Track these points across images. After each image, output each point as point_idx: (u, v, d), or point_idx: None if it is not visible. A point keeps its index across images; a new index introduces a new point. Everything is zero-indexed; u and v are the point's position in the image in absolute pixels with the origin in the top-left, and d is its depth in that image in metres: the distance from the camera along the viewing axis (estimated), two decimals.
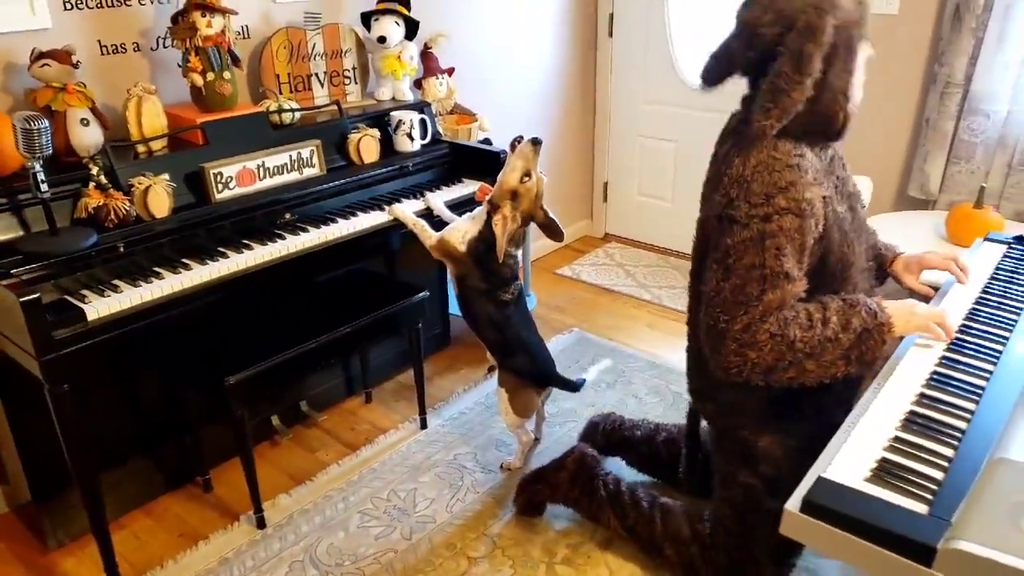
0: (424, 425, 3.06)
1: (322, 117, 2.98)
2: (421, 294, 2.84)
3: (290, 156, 2.69)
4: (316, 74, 3.08)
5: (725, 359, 1.70)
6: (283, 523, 2.57)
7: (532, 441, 2.85)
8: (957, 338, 1.79)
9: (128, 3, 2.60)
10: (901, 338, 1.79)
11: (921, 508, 1.27)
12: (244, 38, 2.93)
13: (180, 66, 2.63)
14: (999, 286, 2.07)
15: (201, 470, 2.75)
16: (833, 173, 1.83)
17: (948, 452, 1.40)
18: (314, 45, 3.03)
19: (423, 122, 3.12)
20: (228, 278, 2.36)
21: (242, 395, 2.36)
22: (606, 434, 2.63)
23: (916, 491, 1.31)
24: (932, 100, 3.34)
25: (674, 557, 2.22)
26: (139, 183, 2.32)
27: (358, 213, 2.76)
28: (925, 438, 1.45)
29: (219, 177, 2.51)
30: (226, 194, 2.53)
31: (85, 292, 2.14)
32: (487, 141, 3.45)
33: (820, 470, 1.37)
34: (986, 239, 2.41)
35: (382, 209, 2.80)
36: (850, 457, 1.41)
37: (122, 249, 2.26)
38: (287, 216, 2.67)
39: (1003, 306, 1.95)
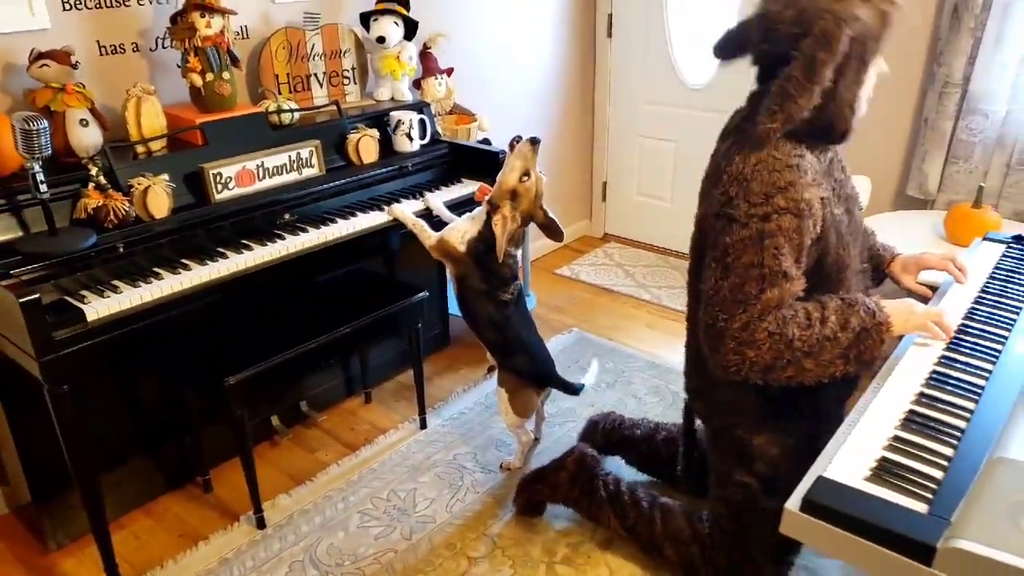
0: (424, 425, 3.06)
1: (321, 117, 2.98)
2: (420, 294, 2.85)
3: (289, 156, 2.69)
4: (315, 74, 3.08)
5: (724, 357, 1.70)
6: (283, 523, 2.57)
7: (532, 441, 2.85)
8: (956, 337, 1.79)
9: (127, 3, 2.60)
10: (900, 338, 1.79)
11: (921, 507, 1.27)
12: (243, 38, 2.93)
13: (179, 66, 2.63)
14: (998, 285, 2.07)
15: (201, 470, 2.75)
16: (832, 175, 1.83)
17: (948, 451, 1.41)
18: (313, 45, 3.03)
19: (422, 122, 3.12)
20: (228, 278, 2.36)
21: (242, 395, 2.36)
22: (606, 433, 2.63)
23: (916, 490, 1.31)
24: (931, 100, 3.34)
25: (674, 557, 2.22)
26: (138, 183, 2.32)
27: (357, 213, 2.76)
28: (925, 437, 1.45)
29: (218, 177, 2.51)
30: (225, 194, 2.53)
31: (85, 293, 2.14)
32: (486, 141, 3.46)
33: (820, 469, 1.38)
34: (985, 239, 2.42)
35: (381, 209, 2.80)
36: (850, 456, 1.41)
37: (121, 250, 2.26)
38: (286, 216, 2.67)
39: (1002, 305, 1.95)
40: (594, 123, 4.81)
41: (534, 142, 2.43)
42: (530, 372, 2.63)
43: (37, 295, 1.93)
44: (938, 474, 1.35)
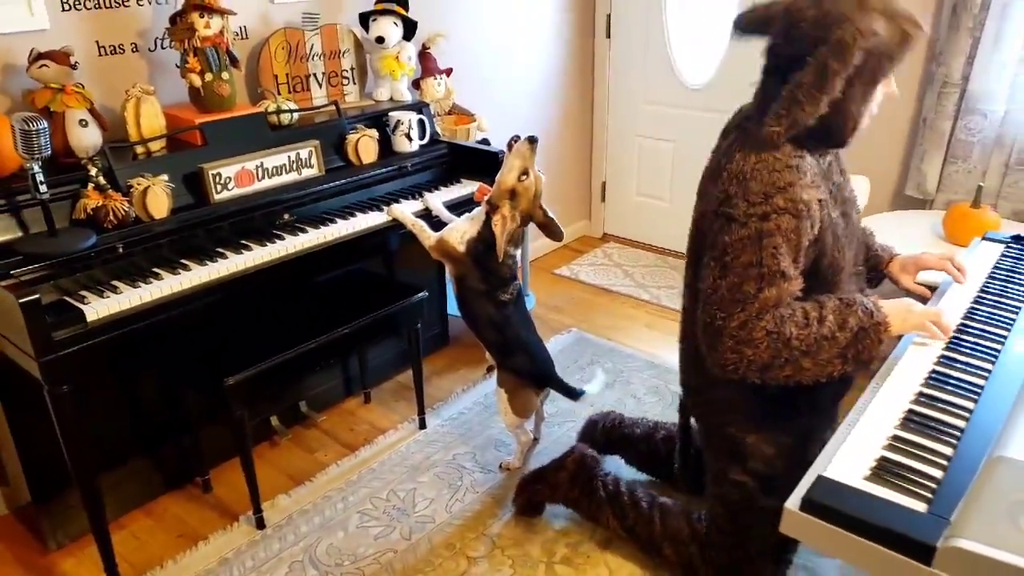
0: (423, 425, 3.06)
1: (320, 117, 2.98)
2: (420, 294, 2.85)
3: (289, 157, 2.69)
4: (314, 74, 3.08)
5: (722, 356, 1.70)
6: (282, 523, 2.57)
7: (531, 441, 2.85)
8: (955, 337, 1.80)
9: (126, 4, 2.60)
10: (899, 338, 1.79)
11: (920, 506, 1.28)
12: (242, 39, 2.93)
13: (178, 67, 2.63)
14: (997, 285, 2.07)
15: (201, 470, 2.75)
16: (830, 178, 1.83)
17: (947, 451, 1.41)
18: (312, 46, 3.03)
19: (421, 122, 3.12)
20: (227, 279, 2.36)
21: (241, 395, 2.36)
22: (606, 432, 2.64)
23: (915, 489, 1.31)
24: (929, 100, 3.34)
25: (673, 557, 2.22)
26: (138, 184, 2.32)
27: (357, 214, 2.76)
28: (924, 437, 1.45)
29: (218, 178, 2.51)
30: (225, 195, 2.53)
31: (84, 293, 2.14)
32: (485, 141, 3.46)
33: (820, 469, 1.38)
34: (984, 238, 2.42)
35: (381, 210, 2.80)
36: (850, 456, 1.41)
37: (121, 250, 2.26)
38: (286, 217, 2.67)
39: (1001, 305, 1.95)
40: (593, 123, 4.82)
41: (532, 141, 2.43)
42: (529, 372, 2.63)
43: (37, 295, 1.93)
44: (938, 473, 1.35)
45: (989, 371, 1.65)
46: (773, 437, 1.96)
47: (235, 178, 2.55)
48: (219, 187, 2.51)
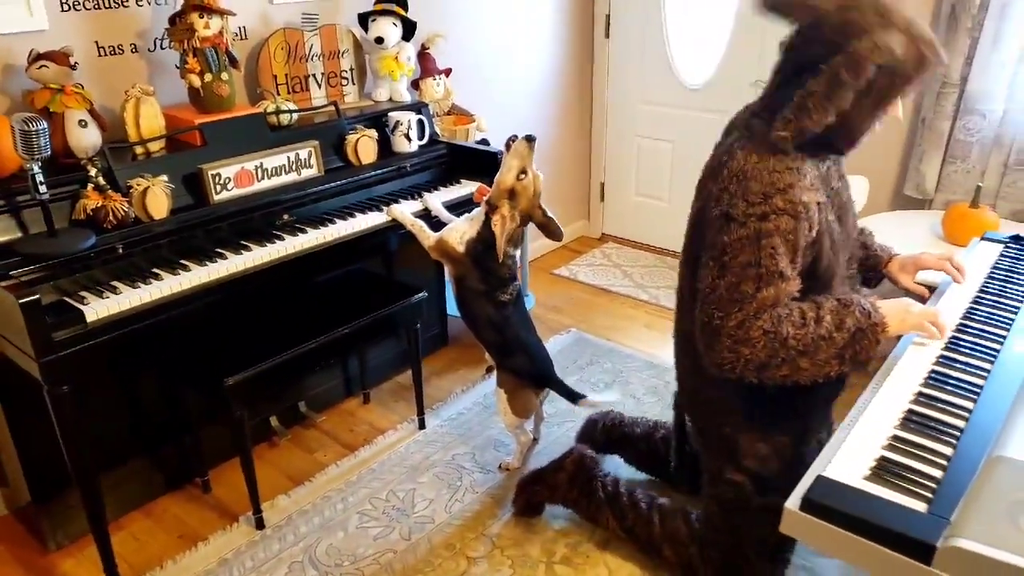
0: (422, 425, 3.06)
1: (320, 118, 2.98)
2: (419, 295, 2.85)
3: (288, 157, 2.69)
4: (314, 75, 3.08)
5: (719, 355, 1.71)
6: (282, 524, 2.57)
7: (530, 441, 2.86)
8: (955, 337, 1.80)
9: (125, 4, 2.60)
10: (898, 338, 1.79)
11: (920, 506, 1.28)
12: (242, 39, 2.93)
13: (178, 67, 2.63)
14: (996, 285, 2.07)
15: (200, 471, 2.75)
16: (829, 183, 1.83)
17: (947, 450, 1.41)
18: (311, 46, 3.03)
19: (421, 123, 3.12)
20: (227, 279, 2.36)
21: (241, 396, 2.36)
22: (606, 430, 2.64)
23: (915, 489, 1.31)
24: (928, 100, 3.35)
25: (673, 557, 2.23)
26: (137, 184, 2.32)
27: (356, 214, 2.76)
28: (924, 437, 1.46)
29: (217, 178, 2.51)
30: (224, 195, 2.53)
31: (84, 293, 2.14)
32: (484, 142, 3.46)
33: (820, 469, 1.38)
34: (983, 238, 2.42)
35: (380, 210, 2.80)
36: (849, 456, 1.41)
37: (121, 250, 2.26)
38: (285, 217, 2.67)
39: (1000, 305, 1.96)
40: (592, 123, 4.82)
41: (530, 140, 2.43)
42: (529, 373, 2.63)
43: (37, 296, 1.93)
44: (937, 473, 1.35)
45: (988, 371, 1.66)
46: (768, 437, 1.96)
47: (234, 178, 2.56)
48: (219, 187, 2.51)
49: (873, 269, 2.18)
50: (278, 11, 3.01)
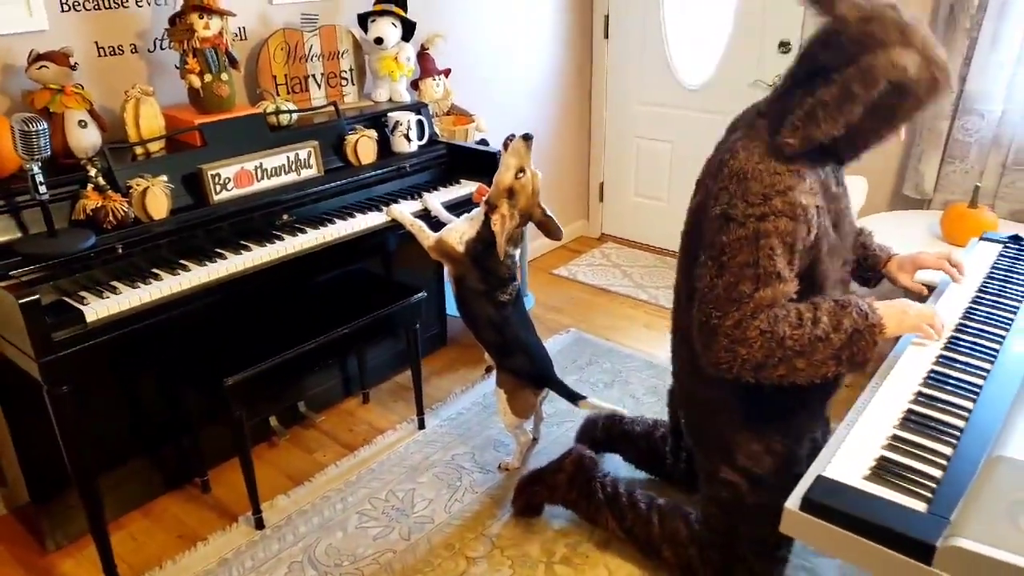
0: (422, 425, 3.06)
1: (319, 118, 2.98)
2: (418, 295, 2.85)
3: (288, 157, 2.69)
4: (313, 75, 3.08)
5: (716, 355, 1.71)
6: (282, 524, 2.57)
7: (530, 441, 2.86)
8: (954, 337, 1.80)
9: (125, 5, 2.60)
10: (896, 339, 1.80)
11: (920, 506, 1.28)
12: (241, 40, 2.93)
13: (178, 68, 2.63)
14: (995, 285, 2.08)
15: (200, 471, 2.75)
16: (828, 188, 1.83)
17: (947, 450, 1.41)
18: (311, 46, 3.03)
19: (420, 123, 3.12)
20: (226, 279, 2.36)
21: (241, 395, 2.36)
22: (606, 428, 2.65)
23: (915, 489, 1.32)
24: None
25: (672, 558, 2.23)
26: (137, 185, 2.32)
27: (356, 214, 2.76)
28: (924, 436, 1.46)
29: (217, 178, 2.51)
30: (224, 195, 2.54)
31: (84, 294, 2.14)
32: (484, 142, 3.46)
33: (819, 468, 1.38)
34: (981, 238, 2.43)
35: (379, 210, 2.80)
36: (849, 455, 1.42)
37: (120, 251, 2.26)
38: (285, 217, 2.67)
39: (999, 305, 1.96)
40: (591, 124, 4.82)
41: (527, 139, 2.43)
42: (529, 373, 2.63)
43: (37, 296, 1.93)
44: (937, 473, 1.36)
45: (988, 371, 1.66)
46: (762, 436, 1.97)
47: (234, 179, 2.56)
48: (218, 188, 2.51)
49: (872, 269, 2.18)
50: (278, 12, 3.01)
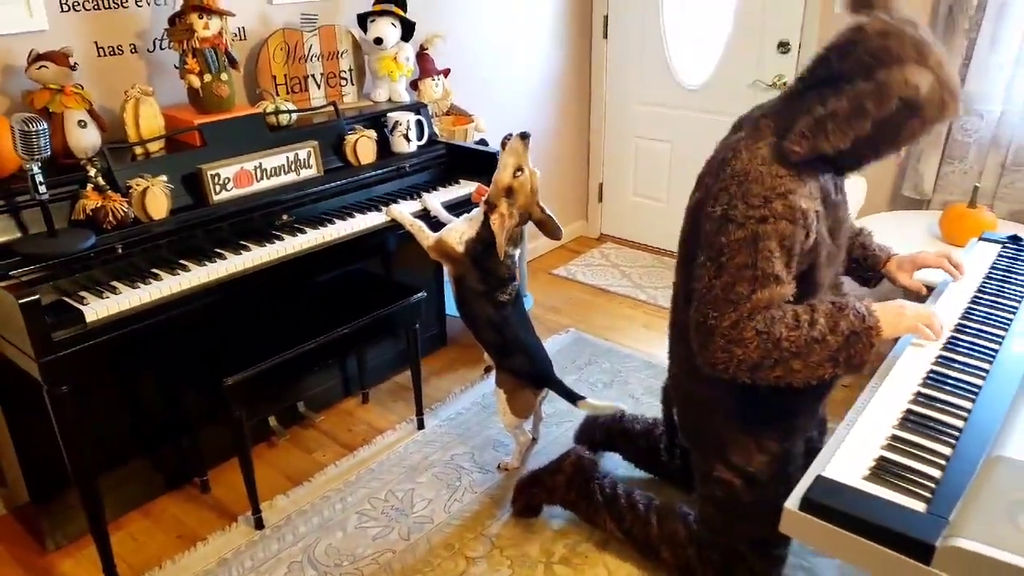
0: (421, 426, 3.06)
1: (319, 118, 2.98)
2: (418, 295, 2.85)
3: (287, 157, 2.69)
4: (313, 75, 3.08)
5: (712, 355, 1.72)
6: (281, 524, 2.57)
7: (529, 441, 2.86)
8: (953, 337, 1.81)
9: (125, 5, 2.60)
10: (895, 340, 1.80)
11: (919, 506, 1.28)
12: (241, 40, 2.93)
13: (177, 68, 2.63)
14: (994, 285, 2.08)
15: (199, 471, 2.75)
16: (828, 195, 1.83)
17: (946, 450, 1.42)
18: (311, 46, 3.03)
19: (419, 123, 3.12)
20: (226, 279, 2.36)
21: (240, 396, 2.36)
22: (607, 427, 2.65)
23: (914, 489, 1.32)
24: None
25: (671, 559, 2.23)
26: (137, 185, 2.32)
27: (355, 214, 2.76)
28: (923, 436, 1.46)
29: (217, 178, 2.51)
30: (224, 195, 2.54)
31: (84, 294, 2.15)
32: (483, 142, 3.46)
33: (819, 468, 1.38)
34: (980, 239, 2.43)
35: (379, 210, 2.80)
36: (848, 455, 1.42)
37: (120, 251, 2.26)
38: (284, 217, 2.67)
39: (998, 305, 1.96)
40: (590, 124, 4.82)
41: (524, 137, 2.43)
42: (528, 373, 2.63)
43: (36, 296, 1.93)
44: (936, 473, 1.36)
45: (987, 371, 1.66)
46: (757, 435, 1.98)
47: (234, 179, 2.56)
48: (218, 188, 2.52)
49: (872, 268, 2.19)
50: (277, 12, 3.01)
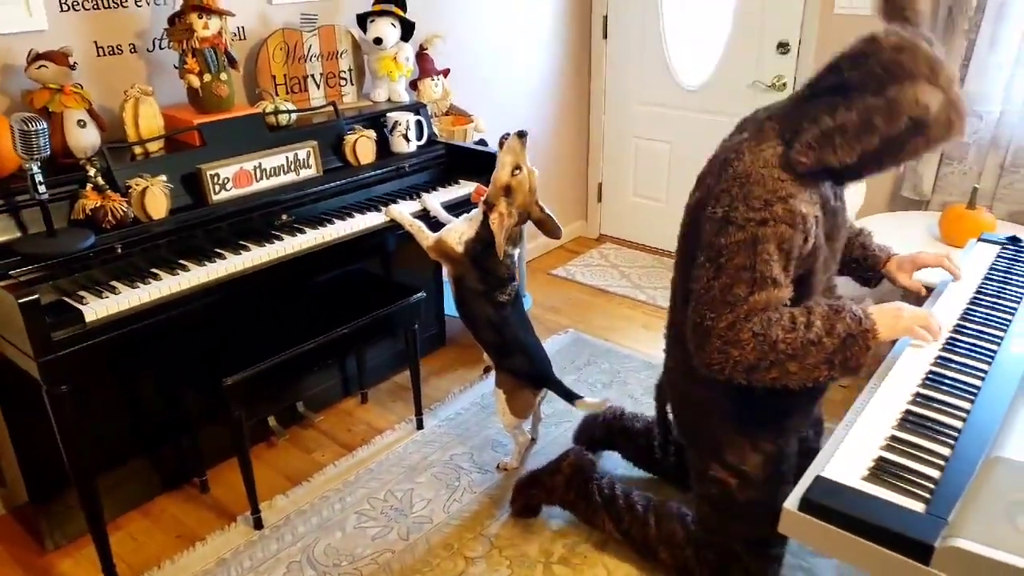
0: (420, 426, 3.06)
1: (318, 118, 2.98)
2: (417, 295, 2.85)
3: (287, 157, 2.69)
4: (312, 75, 3.08)
5: (709, 356, 1.72)
6: (280, 524, 2.57)
7: (529, 441, 2.86)
8: (952, 338, 1.81)
9: (124, 4, 2.60)
10: (893, 342, 1.80)
11: (918, 506, 1.29)
12: (240, 39, 2.93)
13: (177, 67, 2.63)
14: (993, 286, 2.08)
15: (198, 471, 2.75)
16: (828, 202, 1.83)
17: (945, 451, 1.42)
18: (310, 46, 3.03)
19: (419, 123, 3.12)
20: (225, 279, 2.36)
21: (240, 396, 2.36)
22: (607, 424, 2.65)
23: (913, 490, 1.32)
24: None
25: (668, 560, 2.23)
26: (136, 184, 2.32)
27: (355, 214, 2.76)
28: (922, 437, 1.46)
29: (216, 178, 2.51)
30: (223, 195, 2.54)
31: (83, 293, 2.14)
32: (482, 142, 3.46)
33: (818, 469, 1.39)
34: (979, 239, 2.43)
35: (378, 210, 2.80)
36: (847, 456, 1.42)
37: (120, 250, 2.26)
38: (284, 217, 2.67)
39: (997, 306, 1.96)
40: (590, 124, 4.82)
41: (521, 136, 2.43)
42: (527, 373, 2.63)
43: (36, 296, 1.93)
44: (935, 474, 1.36)
45: (985, 372, 1.66)
46: (752, 435, 1.98)
47: (233, 179, 2.56)
48: (217, 188, 2.52)
49: (872, 269, 2.19)
50: (277, 12, 3.01)
